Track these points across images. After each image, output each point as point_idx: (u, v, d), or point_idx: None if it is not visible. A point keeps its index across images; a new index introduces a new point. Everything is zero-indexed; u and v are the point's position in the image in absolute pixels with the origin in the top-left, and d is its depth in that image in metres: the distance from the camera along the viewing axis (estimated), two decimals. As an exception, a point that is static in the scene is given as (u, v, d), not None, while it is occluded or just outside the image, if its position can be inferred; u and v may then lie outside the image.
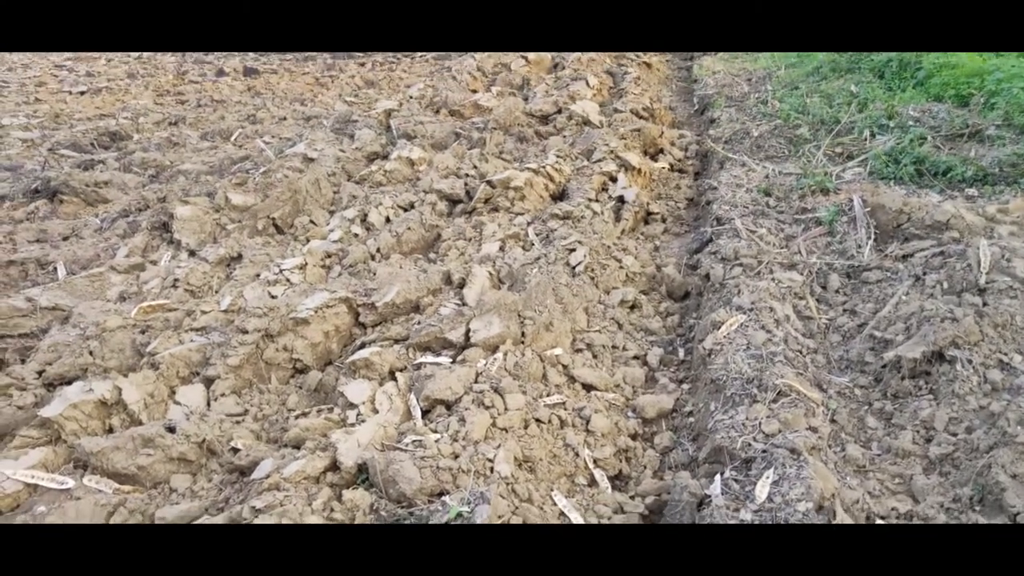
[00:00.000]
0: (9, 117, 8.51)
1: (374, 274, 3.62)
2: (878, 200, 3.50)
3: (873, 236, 3.37)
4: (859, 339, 2.77)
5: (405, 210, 4.44)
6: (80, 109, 9.15)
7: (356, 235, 4.14)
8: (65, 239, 4.55)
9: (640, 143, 5.35)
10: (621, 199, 4.40)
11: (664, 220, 4.45)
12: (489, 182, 4.51)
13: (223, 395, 2.70)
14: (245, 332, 2.88)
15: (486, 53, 9.36)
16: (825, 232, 3.55)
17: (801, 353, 2.69)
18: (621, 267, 3.66)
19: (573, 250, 3.59)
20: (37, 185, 5.29)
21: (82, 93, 10.27)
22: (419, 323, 3.06)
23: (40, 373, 2.80)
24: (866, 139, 4.54)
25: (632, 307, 3.42)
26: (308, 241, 4.08)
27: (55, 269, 3.99)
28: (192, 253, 3.97)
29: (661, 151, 5.44)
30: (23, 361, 2.93)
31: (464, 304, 3.15)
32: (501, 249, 3.74)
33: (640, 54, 8.72)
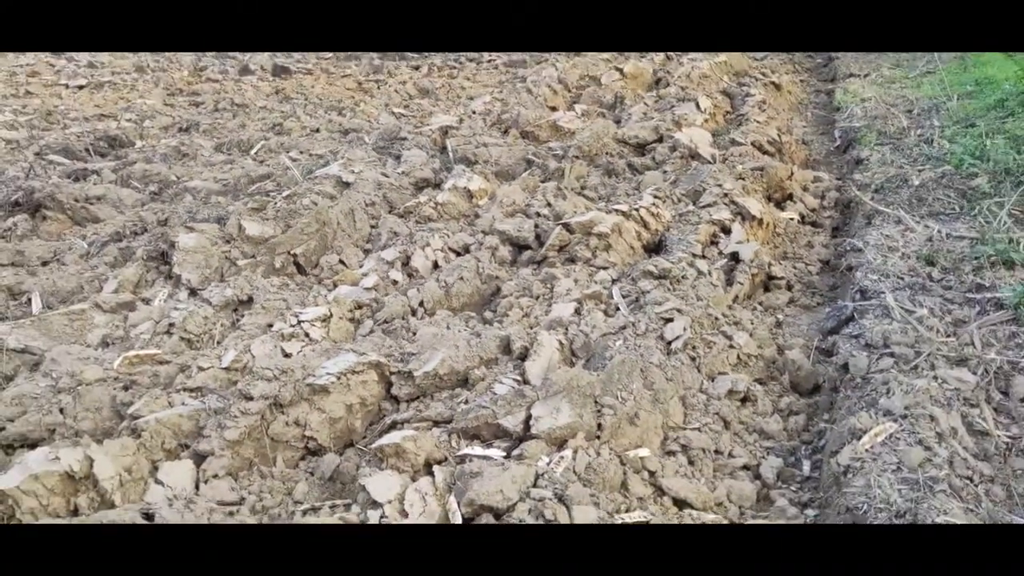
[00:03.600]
0: (-7, 112, 9.05)
1: (414, 334, 3.65)
2: (1083, 281, 3.36)
3: (1075, 329, 3.23)
4: (1053, 469, 2.63)
5: (458, 254, 4.49)
6: (77, 107, 9.67)
7: (395, 283, 4.20)
8: (44, 264, 4.77)
9: (763, 186, 5.31)
10: (735, 257, 4.35)
11: (790, 287, 4.37)
12: (566, 225, 4.54)
13: (216, 477, 2.73)
14: (249, 399, 2.92)
15: (571, 62, 9.54)
16: (1009, 319, 3.42)
17: (972, 481, 2.57)
18: (731, 346, 3.60)
19: (670, 320, 3.55)
20: (18, 196, 5.58)
21: (80, 88, 10.87)
22: (467, 402, 3.06)
23: (-1, 430, 2.90)
24: (1067, 198, 4.40)
25: (744, 400, 3.34)
26: (335, 287, 4.16)
27: (29, 301, 4.17)
28: (193, 292, 4.09)
29: (790, 197, 5.38)
30: (-20, 414, 3.03)
31: (525, 382, 3.14)
32: (577, 312, 3.73)
33: (768, 72, 8.74)
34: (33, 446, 2.83)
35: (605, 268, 4.26)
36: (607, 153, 6.12)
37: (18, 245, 4.94)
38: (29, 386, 3.10)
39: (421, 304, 3.97)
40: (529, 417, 2.84)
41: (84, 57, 13.69)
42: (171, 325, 3.69)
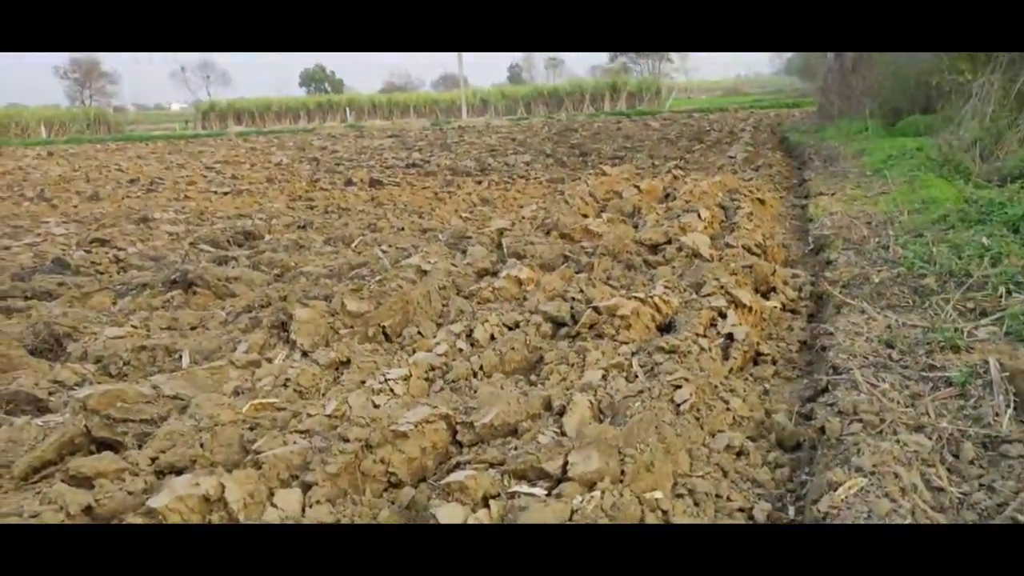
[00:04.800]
0: (160, 211, 9.43)
1: (475, 392, 3.63)
2: (1018, 365, 3.25)
3: (1013, 404, 3.10)
4: (999, 521, 2.49)
5: (510, 329, 4.49)
6: (222, 208, 10.01)
7: (461, 350, 4.20)
8: (193, 329, 4.87)
9: (751, 280, 5.26)
10: (730, 336, 4.28)
11: (775, 362, 4.28)
12: (595, 308, 4.52)
13: (318, 503, 2.71)
14: (346, 440, 2.92)
15: (599, 180, 9.65)
16: (957, 394, 3.30)
17: (931, 529, 2.45)
18: (728, 409, 3.51)
19: (679, 386, 3.48)
20: (176, 276, 5.75)
21: (225, 193, 11.29)
22: (516, 449, 3.01)
23: (153, 460, 2.93)
24: (1001, 296, 4.28)
25: (739, 454, 3.24)
26: (414, 352, 4.17)
27: (180, 357, 4.25)
28: (305, 354, 4.13)
29: (773, 289, 5.32)
30: (140, 446, 3.07)
31: (563, 434, 3.10)
32: (604, 378, 3.68)
33: (755, 190, 8.74)
34: (179, 473, 2.85)
35: (626, 343, 4.22)
36: (627, 251, 6.14)
37: (173, 313, 5.08)
38: (178, 425, 3.13)
39: (481, 368, 3.97)
40: (566, 463, 2.78)
41: (229, 171, 14.21)
42: (287, 380, 3.72)
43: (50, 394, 3.67)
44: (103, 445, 3.15)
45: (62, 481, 2.75)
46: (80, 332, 4.60)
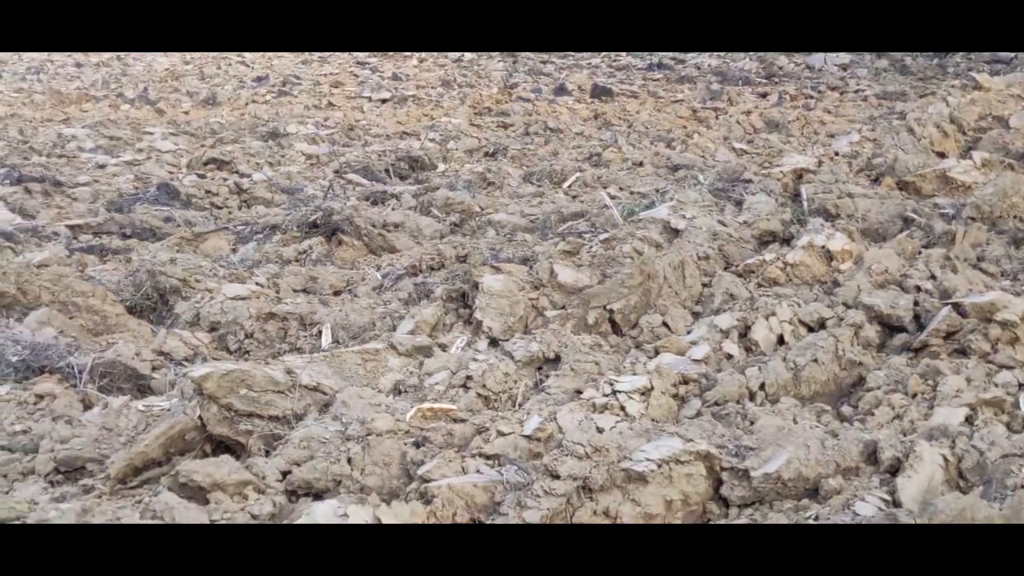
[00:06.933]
0: (296, 124, 10.16)
1: (751, 424, 3.58)
2: None
3: None
4: None
5: (811, 329, 4.38)
6: (379, 122, 10.63)
7: (730, 356, 4.16)
8: (337, 294, 5.24)
9: None
10: None
11: None
12: (956, 306, 4.28)
13: (511, 563, 2.81)
14: (555, 477, 2.99)
15: (967, 97, 9.07)
16: None
17: None
18: None
19: (1105, 449, 3.22)
20: (316, 217, 6.20)
21: (383, 101, 11.96)
22: (817, 519, 2.94)
23: (285, 474, 3.19)
24: None
25: None
26: (657, 353, 4.18)
27: (319, 333, 4.59)
28: (494, 343, 4.30)
29: None
30: (268, 453, 3.37)
31: (896, 504, 2.98)
32: (968, 421, 3.51)
33: None
34: (317, 496, 3.08)
35: (1011, 368, 3.95)
36: (1016, 217, 5.73)
37: (312, 270, 5.48)
38: (318, 429, 3.38)
39: (762, 387, 3.90)
40: (902, 551, 2.69)
41: (389, 68, 15.04)
42: (468, 378, 3.88)
43: (154, 369, 4.13)
44: (221, 445, 3.49)
45: (169, 489, 3.08)
46: (191, 287, 5.11)
